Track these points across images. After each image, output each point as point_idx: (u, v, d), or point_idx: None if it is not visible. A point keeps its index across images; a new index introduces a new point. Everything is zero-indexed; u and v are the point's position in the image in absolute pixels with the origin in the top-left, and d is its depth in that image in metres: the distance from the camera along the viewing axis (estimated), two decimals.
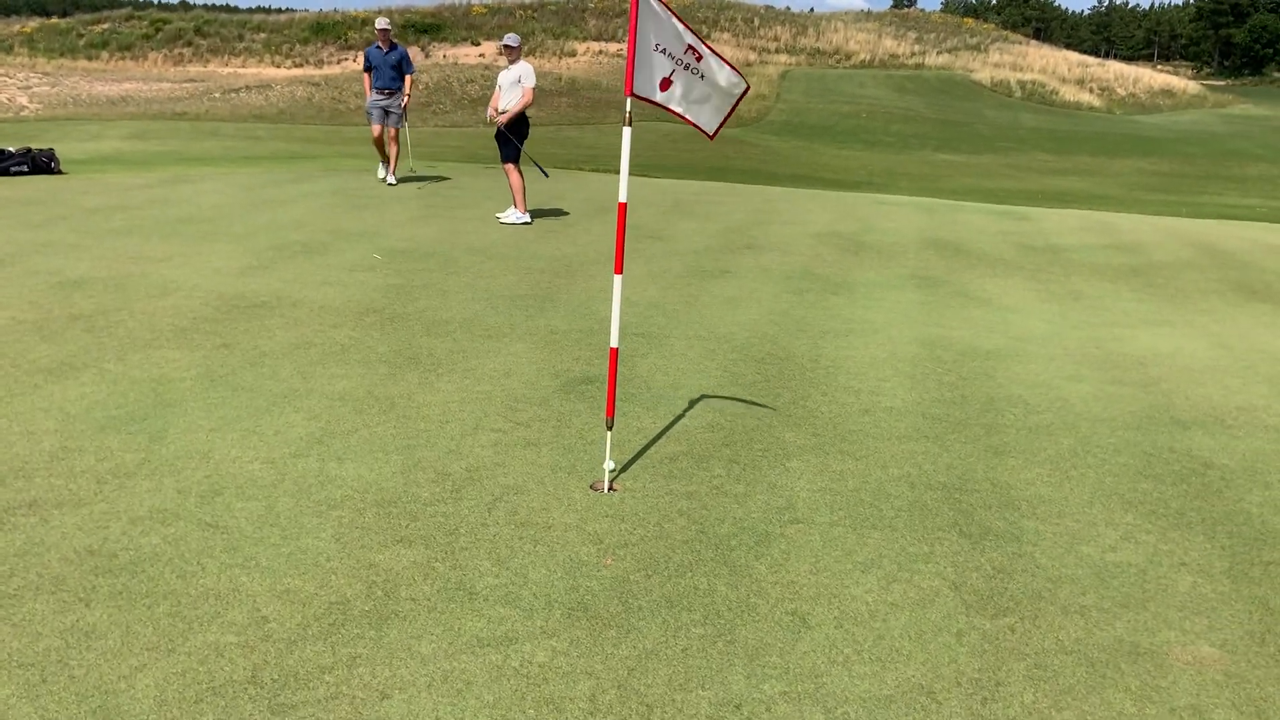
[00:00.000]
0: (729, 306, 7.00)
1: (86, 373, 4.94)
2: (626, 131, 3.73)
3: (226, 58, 47.78)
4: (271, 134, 22.85)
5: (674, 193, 13.44)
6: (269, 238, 8.63)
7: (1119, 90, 49.01)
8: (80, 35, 49.92)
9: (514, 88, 9.85)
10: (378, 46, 11.93)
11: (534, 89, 9.81)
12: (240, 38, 50.08)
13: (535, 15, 51.99)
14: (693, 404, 4.88)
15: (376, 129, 12.15)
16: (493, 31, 48.60)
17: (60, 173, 12.27)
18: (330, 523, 3.50)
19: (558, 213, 10.80)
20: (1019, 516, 3.79)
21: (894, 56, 49.99)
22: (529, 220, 10.04)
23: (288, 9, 73.49)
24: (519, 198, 9.97)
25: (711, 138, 3.98)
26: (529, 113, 10.07)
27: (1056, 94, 44.89)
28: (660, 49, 3.69)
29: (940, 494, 3.96)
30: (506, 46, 9.76)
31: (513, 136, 9.90)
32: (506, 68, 9.96)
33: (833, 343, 6.11)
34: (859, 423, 4.73)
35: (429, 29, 49.16)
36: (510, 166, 9.96)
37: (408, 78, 12.00)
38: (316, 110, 29.42)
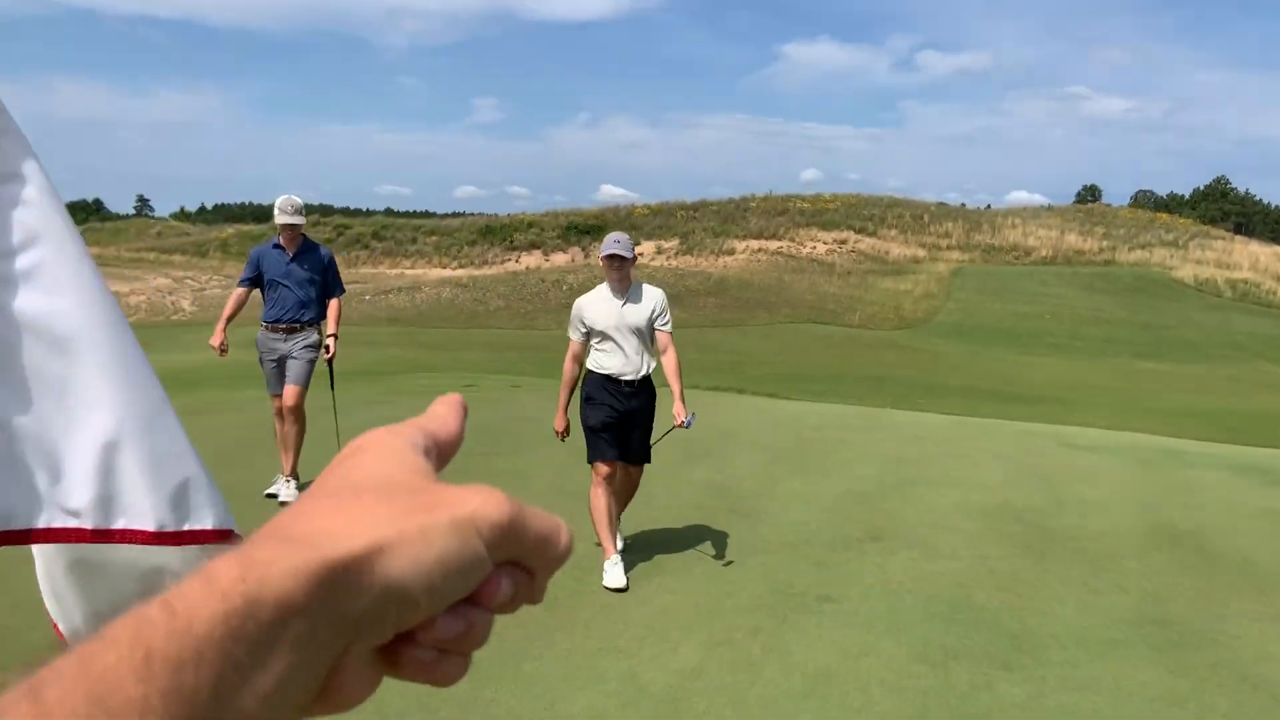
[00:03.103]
0: (805, 704, 4.06)
1: None
2: None
3: (398, 259, 49.51)
4: (394, 338, 21.77)
5: (799, 423, 10.69)
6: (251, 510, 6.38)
7: None
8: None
9: (638, 337, 5.49)
10: (276, 245, 6.64)
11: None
12: (414, 240, 52.06)
13: (695, 214, 51.87)
14: None
15: (277, 400, 6.73)
16: (653, 231, 48.56)
17: None
18: None
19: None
20: None
21: (1079, 253, 46.46)
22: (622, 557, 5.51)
23: (470, 213, 77.39)
24: (603, 532, 5.42)
25: None
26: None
27: (1275, 294, 39.96)
28: None
29: None
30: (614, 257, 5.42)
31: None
32: (623, 299, 5.45)
33: None
34: None
35: (591, 230, 49.56)
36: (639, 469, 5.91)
37: (333, 303, 6.82)
38: (456, 312, 28.75)
